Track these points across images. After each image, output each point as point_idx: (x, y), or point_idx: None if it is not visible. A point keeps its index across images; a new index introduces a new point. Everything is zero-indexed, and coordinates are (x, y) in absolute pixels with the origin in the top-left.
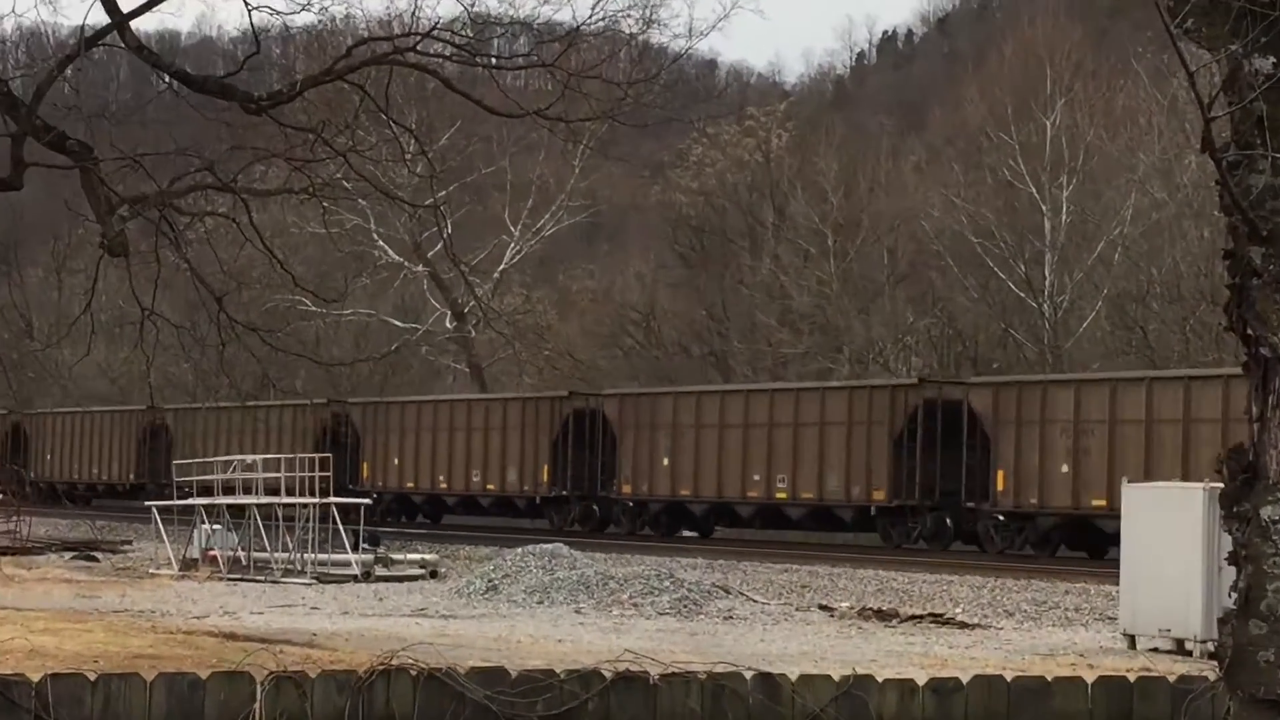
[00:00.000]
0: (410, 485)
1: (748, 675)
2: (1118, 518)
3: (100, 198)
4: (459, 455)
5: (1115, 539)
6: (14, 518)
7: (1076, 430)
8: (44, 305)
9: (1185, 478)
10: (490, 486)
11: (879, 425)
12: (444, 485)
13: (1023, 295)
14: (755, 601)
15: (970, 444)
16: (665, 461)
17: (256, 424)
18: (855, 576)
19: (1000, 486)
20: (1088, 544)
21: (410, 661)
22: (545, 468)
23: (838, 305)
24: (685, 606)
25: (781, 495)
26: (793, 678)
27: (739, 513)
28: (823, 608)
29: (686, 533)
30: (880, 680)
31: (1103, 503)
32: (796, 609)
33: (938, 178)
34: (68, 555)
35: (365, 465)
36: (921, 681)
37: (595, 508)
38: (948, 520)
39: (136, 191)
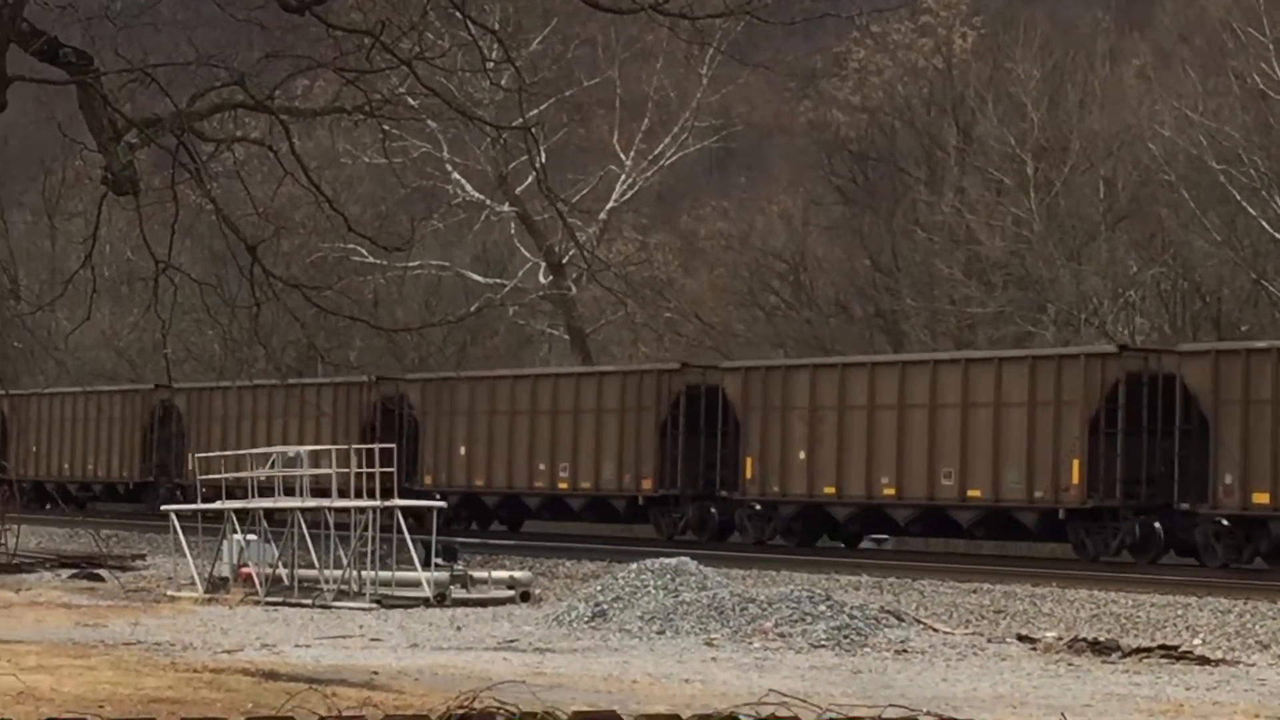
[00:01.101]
0: (480, 483)
1: None
2: None
3: (103, 120)
4: (542, 446)
5: None
6: None
7: None
8: (33, 257)
9: None
10: (584, 485)
11: (1070, 405)
12: (524, 484)
13: None
14: (935, 630)
15: (1185, 429)
16: (801, 455)
17: (287, 407)
18: (1063, 598)
19: (1225, 483)
20: None
21: (497, 706)
22: (651, 461)
23: (1040, 252)
24: (846, 637)
25: (948, 496)
26: None
27: (892, 516)
28: (1022, 638)
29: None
30: None
31: None
32: (989, 640)
33: (1168, 87)
34: (65, 573)
35: (426, 458)
36: None
37: (713, 510)
38: (1157, 526)
39: (148, 112)
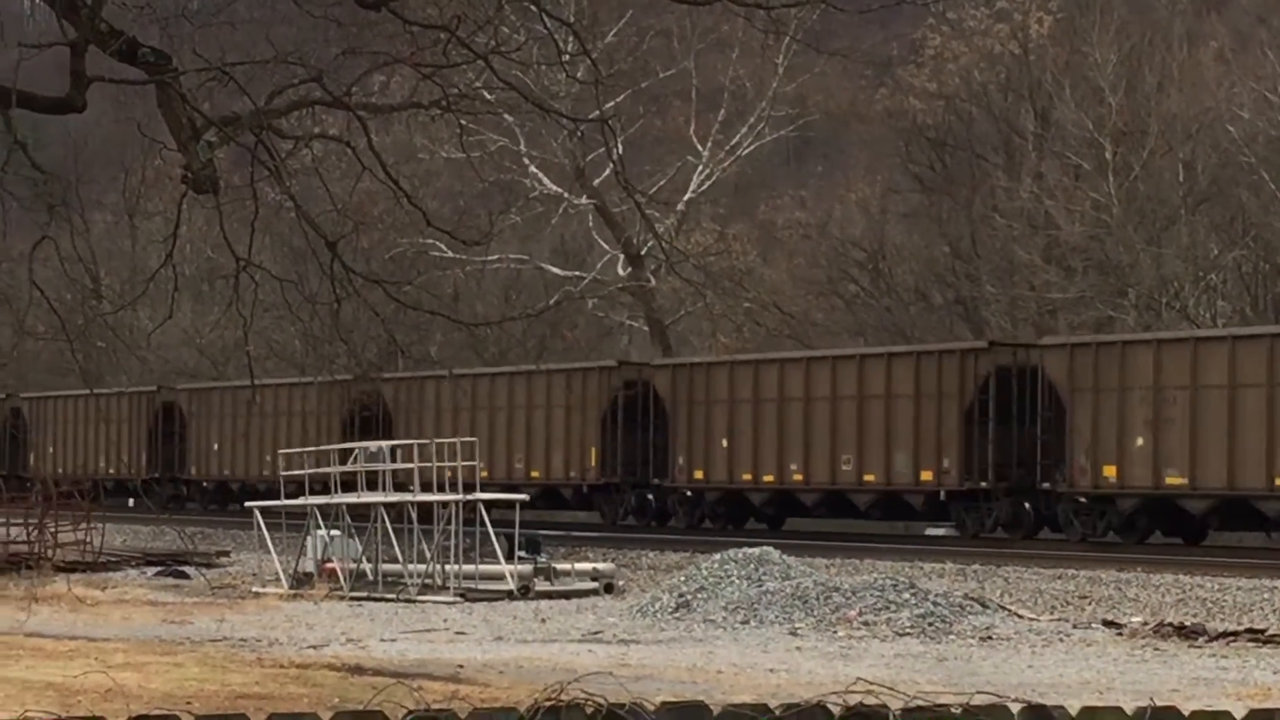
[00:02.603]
0: (747, 478)
1: (1014, 709)
2: None
3: (182, 119)
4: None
5: None
6: (83, 525)
7: None
8: (114, 257)
9: None
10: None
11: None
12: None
13: None
14: (1020, 617)
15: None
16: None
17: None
18: (1149, 583)
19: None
20: None
21: (584, 696)
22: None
23: (1120, 236)
24: (930, 624)
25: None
26: (1072, 711)
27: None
28: (1108, 624)
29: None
30: (1186, 714)
31: None
32: (1074, 626)
33: (1247, 68)
34: (151, 571)
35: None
36: (1239, 716)
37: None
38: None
39: (226, 110)
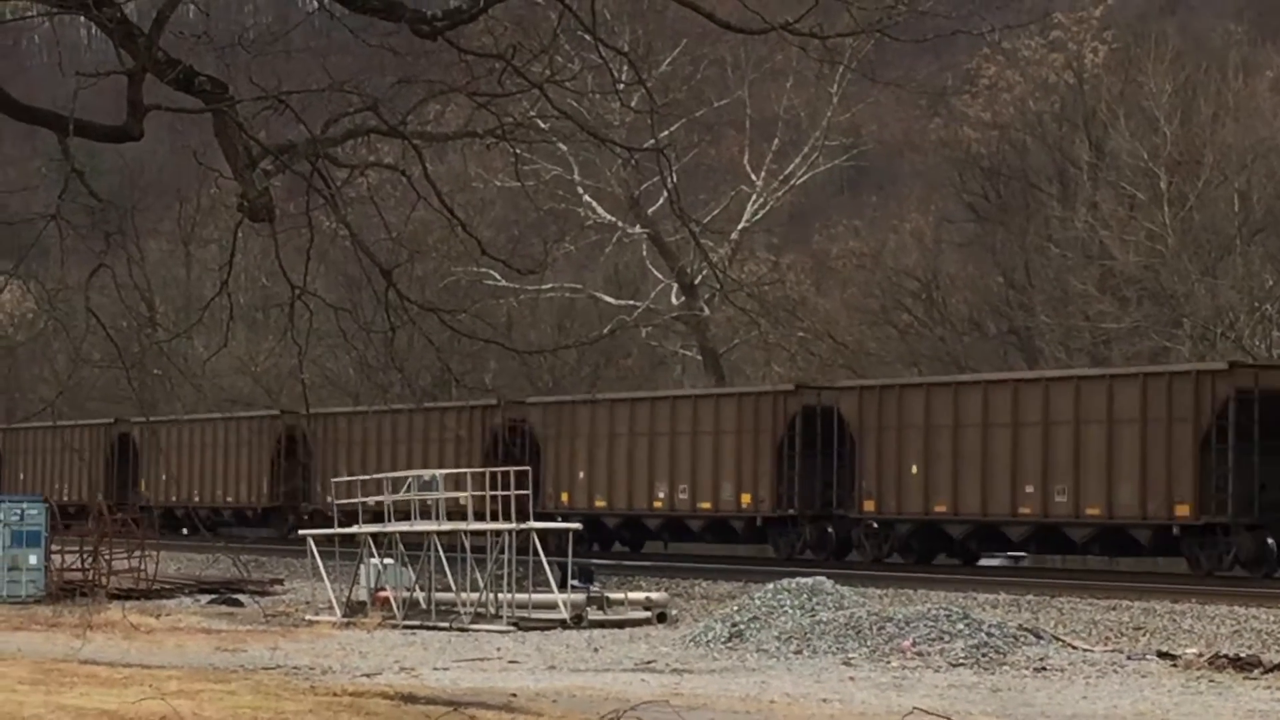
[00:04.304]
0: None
1: None
2: None
3: (238, 148)
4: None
5: None
6: (137, 552)
7: None
8: (169, 285)
9: None
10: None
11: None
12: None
13: None
14: (1075, 648)
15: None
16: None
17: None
18: (1203, 614)
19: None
20: None
21: None
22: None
23: (1174, 266)
24: (985, 655)
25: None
26: None
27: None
28: (1163, 655)
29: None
30: None
31: None
32: (1129, 657)
33: None
34: (205, 599)
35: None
36: None
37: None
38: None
39: (282, 139)
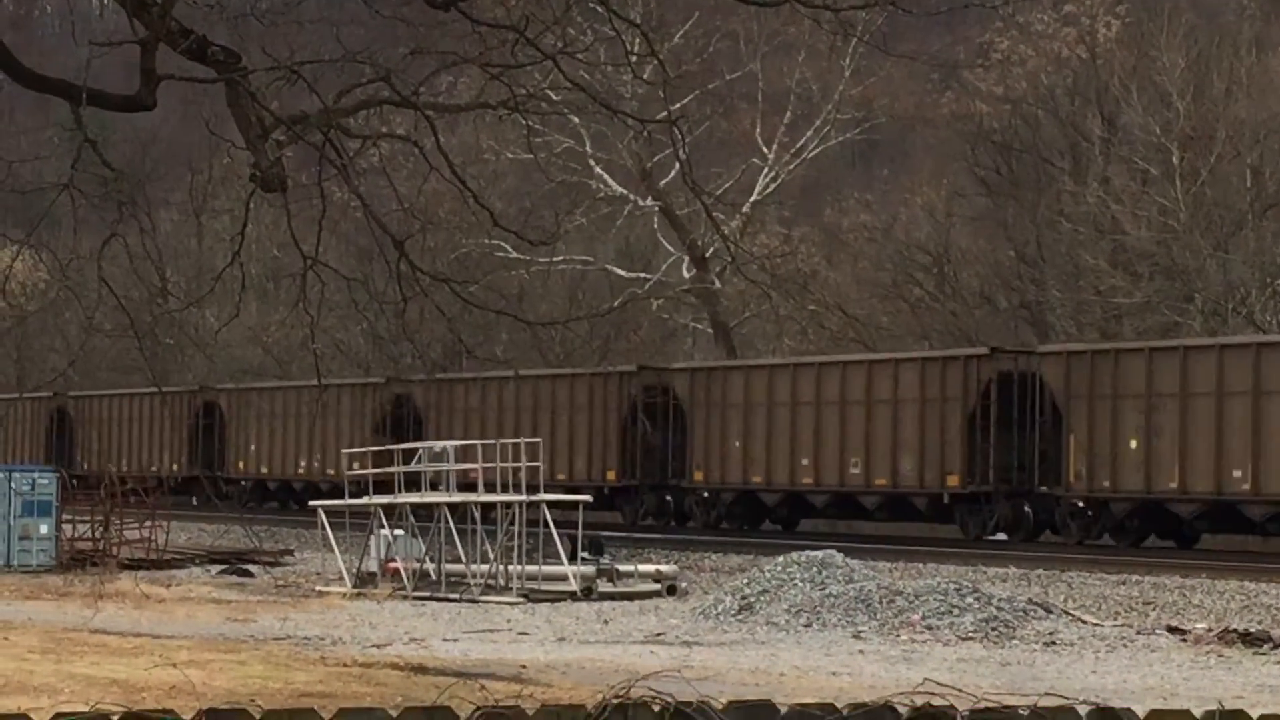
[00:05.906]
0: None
1: (1082, 711)
2: None
3: (250, 118)
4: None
5: None
6: (147, 523)
7: None
8: (180, 256)
9: None
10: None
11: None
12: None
13: None
14: (1084, 622)
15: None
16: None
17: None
18: (1213, 589)
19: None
20: None
21: (652, 694)
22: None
23: (1186, 241)
24: (994, 629)
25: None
26: (1140, 715)
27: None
28: (1172, 630)
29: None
30: (1255, 718)
31: None
32: (1138, 632)
33: None
34: (215, 569)
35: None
36: None
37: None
38: None
39: (294, 109)
